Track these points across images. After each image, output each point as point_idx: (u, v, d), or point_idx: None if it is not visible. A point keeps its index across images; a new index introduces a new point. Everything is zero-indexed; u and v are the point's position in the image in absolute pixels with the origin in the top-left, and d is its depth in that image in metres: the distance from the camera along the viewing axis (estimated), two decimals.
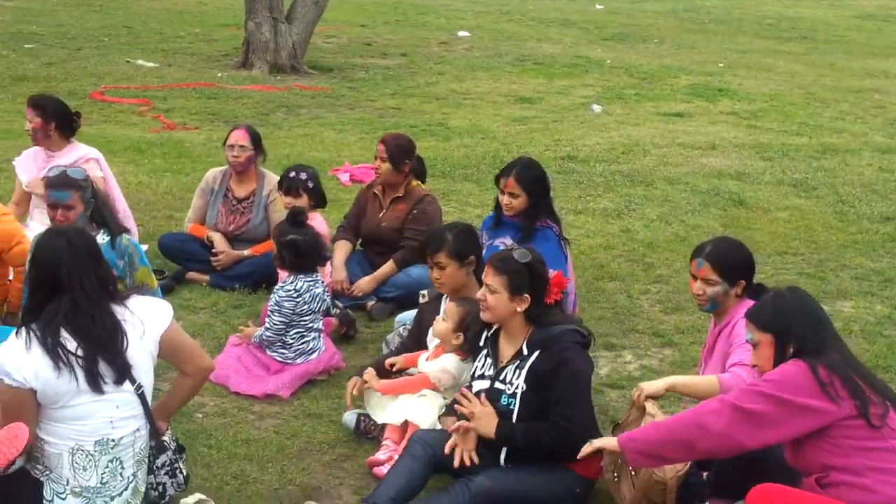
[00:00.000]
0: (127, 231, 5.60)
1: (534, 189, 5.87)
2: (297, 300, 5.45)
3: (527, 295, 4.32)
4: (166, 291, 6.54)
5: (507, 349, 4.43)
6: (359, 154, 10.26)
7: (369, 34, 20.41)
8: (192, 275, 6.80)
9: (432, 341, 5.05)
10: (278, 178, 6.69)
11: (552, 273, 4.47)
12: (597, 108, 13.48)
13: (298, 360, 5.47)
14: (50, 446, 3.89)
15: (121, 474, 4.01)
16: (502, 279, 4.34)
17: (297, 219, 5.59)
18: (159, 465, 4.22)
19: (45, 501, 3.90)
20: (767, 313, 3.93)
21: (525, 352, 4.31)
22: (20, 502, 3.89)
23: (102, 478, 3.94)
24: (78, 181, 5.40)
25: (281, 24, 15.84)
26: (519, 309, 4.34)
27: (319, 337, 5.60)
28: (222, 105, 12.98)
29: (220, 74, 15.14)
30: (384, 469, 4.55)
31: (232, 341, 5.67)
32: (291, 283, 5.49)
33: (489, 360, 4.46)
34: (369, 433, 4.94)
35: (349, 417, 5.02)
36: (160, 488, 4.24)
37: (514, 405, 4.28)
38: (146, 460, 4.15)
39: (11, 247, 5.68)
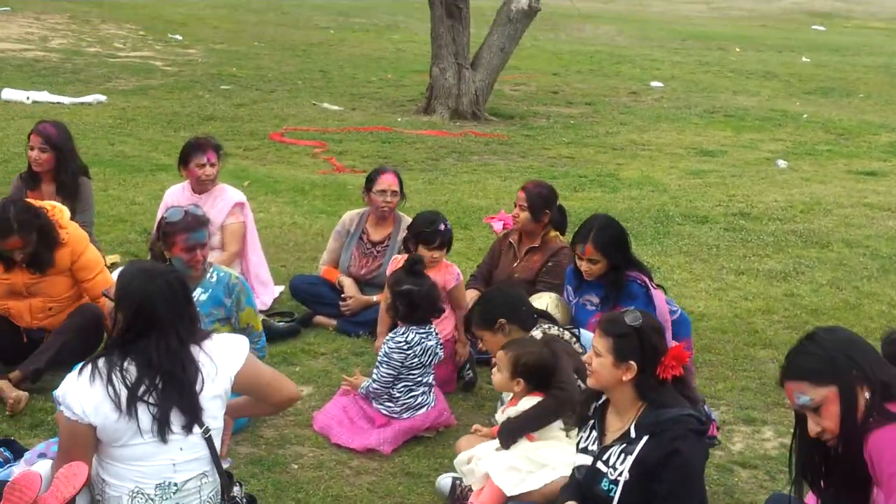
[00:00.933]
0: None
1: (612, 251, 5.47)
2: (408, 353, 5.24)
3: (633, 363, 3.93)
4: (292, 335, 6.49)
5: (614, 423, 4.06)
6: (511, 201, 10.01)
7: (559, 83, 20.25)
8: (319, 319, 6.70)
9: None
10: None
11: (673, 344, 4.08)
12: (782, 163, 12.81)
13: (405, 415, 5.24)
14: (110, 488, 3.79)
15: None
16: (607, 342, 3.98)
17: (414, 268, 5.39)
18: None
19: None
20: (821, 362, 3.33)
21: (633, 434, 3.91)
22: None
23: None
24: (206, 219, 5.38)
25: (465, 70, 15.87)
26: (625, 378, 3.94)
27: (430, 392, 5.36)
28: (395, 149, 13.03)
29: (399, 119, 15.26)
30: None
31: (341, 390, 5.49)
32: (402, 334, 5.28)
33: (594, 434, 4.10)
34: (465, 499, 4.65)
35: (444, 482, 4.75)
36: None
37: (615, 493, 3.89)
38: None
39: (94, 276, 5.74)
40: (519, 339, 4.85)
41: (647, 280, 5.46)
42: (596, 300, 5.49)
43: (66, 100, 14.84)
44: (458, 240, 8.83)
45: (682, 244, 9.04)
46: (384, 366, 5.23)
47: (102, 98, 15.17)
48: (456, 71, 15.79)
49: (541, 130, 14.91)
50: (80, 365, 3.81)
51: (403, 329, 5.30)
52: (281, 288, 7.16)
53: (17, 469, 4.03)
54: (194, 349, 3.88)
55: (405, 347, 5.24)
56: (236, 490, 4.08)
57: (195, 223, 5.25)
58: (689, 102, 18.06)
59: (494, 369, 4.80)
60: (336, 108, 15.98)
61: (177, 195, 6.92)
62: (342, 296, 6.69)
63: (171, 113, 14.51)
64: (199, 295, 5.26)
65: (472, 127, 14.91)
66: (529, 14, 16.29)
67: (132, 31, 23.36)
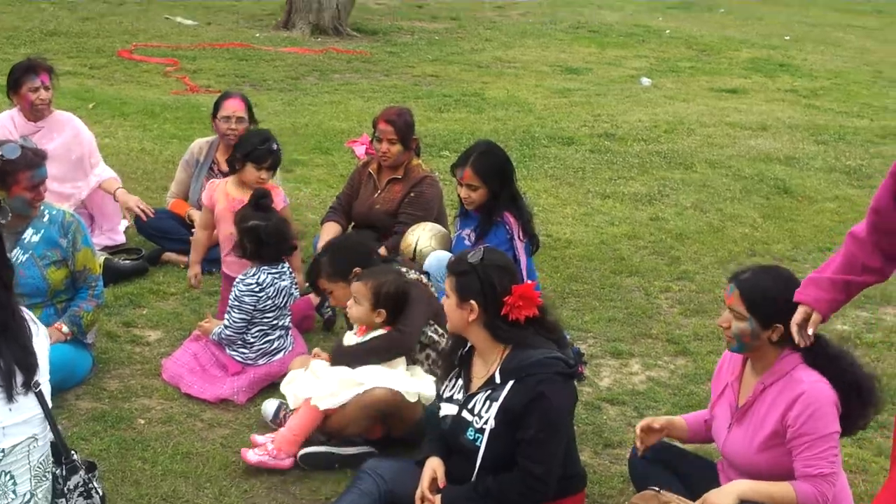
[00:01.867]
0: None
1: (492, 179, 5.27)
2: (260, 295, 4.91)
3: (473, 303, 3.71)
4: (139, 274, 6.10)
5: (479, 370, 3.84)
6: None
7: None
8: (168, 255, 6.29)
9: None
10: None
11: (527, 283, 3.85)
12: (646, 81, 12.76)
13: (260, 361, 4.94)
14: None
15: (13, 491, 3.50)
16: (451, 281, 3.78)
17: (260, 202, 5.03)
18: (72, 486, 3.73)
19: None
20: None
21: (498, 380, 3.70)
22: None
23: None
24: (45, 152, 4.87)
25: None
26: (470, 319, 3.73)
27: (287, 335, 5.07)
28: (253, 67, 12.48)
29: (258, 35, 14.64)
30: (249, 454, 4.23)
31: (192, 336, 5.16)
32: (253, 275, 4.94)
33: (460, 382, 3.89)
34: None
35: (269, 406, 4.59)
36: None
37: (482, 442, 3.69)
38: (48, 476, 3.65)
39: None
40: (374, 269, 4.63)
41: (514, 230, 5.26)
42: (473, 236, 5.28)
43: None
44: (318, 166, 8.56)
45: (549, 167, 8.88)
46: (235, 311, 4.91)
47: None
48: None
49: (405, 47, 14.51)
50: None
51: (254, 270, 4.96)
52: (127, 223, 6.70)
53: None
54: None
55: (257, 290, 4.91)
56: (76, 458, 3.75)
57: (37, 158, 4.75)
58: (555, 17, 17.87)
59: (350, 302, 4.53)
60: (190, 22, 15.24)
61: (6, 124, 6.34)
62: (193, 230, 6.28)
63: (10, 28, 13.60)
64: (30, 236, 4.79)
65: (333, 43, 14.43)
66: None
67: None
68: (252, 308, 4.91)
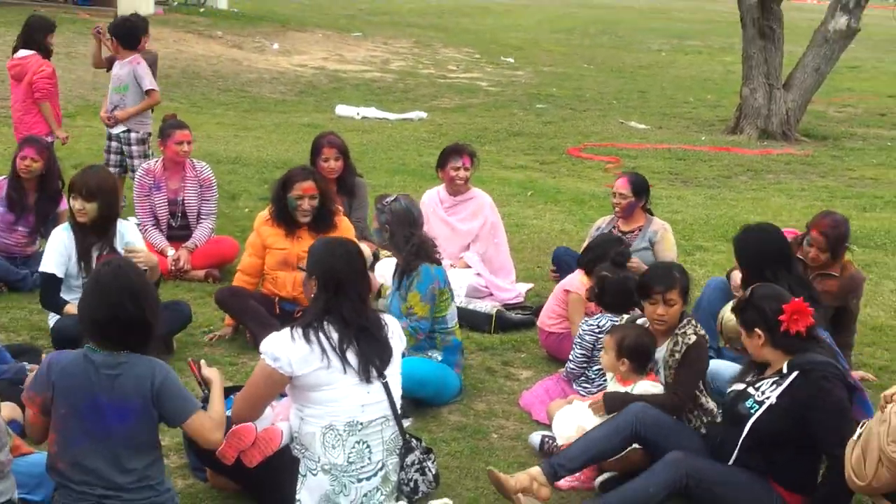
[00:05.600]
0: (436, 262, 5.77)
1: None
2: (599, 336, 5.56)
3: (758, 330, 4.48)
4: (527, 326, 6.94)
5: (769, 371, 4.60)
6: (791, 219, 9.84)
7: (891, 105, 19.47)
8: None
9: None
10: (663, 223, 7.08)
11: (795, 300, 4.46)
12: None
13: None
14: (307, 425, 4.40)
15: (368, 458, 4.42)
16: (738, 322, 4.64)
17: (616, 258, 5.79)
18: (408, 462, 4.58)
19: (300, 477, 4.44)
20: None
21: (785, 370, 4.42)
22: (282, 475, 4.45)
23: (349, 457, 4.38)
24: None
25: (777, 90, 15.74)
26: (760, 343, 4.49)
27: None
28: (688, 166, 13.16)
29: (703, 138, 15.32)
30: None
31: (552, 375, 5.93)
32: (596, 318, 5.63)
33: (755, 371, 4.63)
34: (552, 454, 5.00)
35: (534, 439, 5.23)
36: (412, 484, 4.58)
37: (757, 411, 4.40)
38: (397, 452, 4.54)
39: None
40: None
41: None
42: None
43: (391, 116, 16.14)
44: (720, 252, 9.02)
45: None
46: (577, 347, 5.62)
47: (424, 114, 16.37)
48: (766, 91, 15.68)
49: (851, 151, 14.49)
50: (288, 328, 4.39)
51: (599, 314, 5.65)
52: (529, 285, 7.65)
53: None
54: (379, 314, 4.55)
55: (597, 331, 5.58)
56: (415, 442, 4.61)
57: None
58: None
59: (602, 352, 5.23)
60: (642, 126, 16.29)
61: (433, 196, 7.56)
62: None
63: (481, 128, 15.41)
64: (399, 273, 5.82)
65: (778, 147, 14.74)
66: (848, 34, 15.85)
67: (468, 55, 24.72)
68: (591, 346, 5.59)
